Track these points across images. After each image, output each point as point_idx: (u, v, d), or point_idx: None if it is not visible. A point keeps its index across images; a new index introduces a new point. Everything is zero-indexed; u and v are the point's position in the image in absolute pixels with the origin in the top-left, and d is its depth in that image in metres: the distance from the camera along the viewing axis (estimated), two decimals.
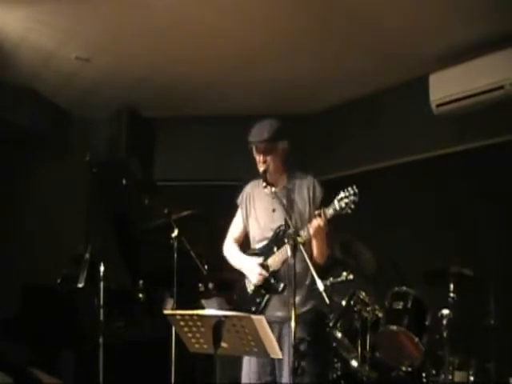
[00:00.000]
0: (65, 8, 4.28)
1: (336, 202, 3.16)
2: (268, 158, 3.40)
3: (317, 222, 3.20)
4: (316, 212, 3.26)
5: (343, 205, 3.13)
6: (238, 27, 4.56)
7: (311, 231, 3.22)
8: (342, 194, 3.15)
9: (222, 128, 6.38)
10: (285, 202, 3.35)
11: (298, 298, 3.33)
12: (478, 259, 4.45)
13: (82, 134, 6.33)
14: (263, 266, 3.42)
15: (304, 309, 3.36)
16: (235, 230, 3.71)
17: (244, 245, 3.69)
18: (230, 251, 3.68)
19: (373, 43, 4.76)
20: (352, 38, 4.68)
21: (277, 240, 3.40)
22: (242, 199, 3.68)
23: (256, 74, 5.43)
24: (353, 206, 3.12)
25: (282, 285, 3.30)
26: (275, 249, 3.40)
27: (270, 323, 3.17)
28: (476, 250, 4.72)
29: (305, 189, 3.46)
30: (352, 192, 3.13)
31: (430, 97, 4.92)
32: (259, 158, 3.43)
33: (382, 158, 5.62)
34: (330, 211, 3.18)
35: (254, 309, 3.38)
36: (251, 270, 3.45)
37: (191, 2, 4.21)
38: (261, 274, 3.39)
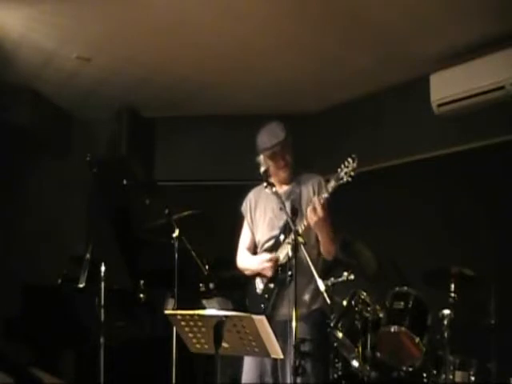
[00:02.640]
0: (65, 8, 4.27)
1: (336, 175, 3.15)
2: (287, 158, 3.42)
3: (311, 206, 3.18)
4: (315, 198, 3.25)
5: (342, 174, 3.12)
6: (238, 27, 4.55)
7: (308, 217, 3.20)
8: (341, 167, 3.14)
9: (222, 128, 6.38)
10: (290, 199, 3.35)
11: (307, 296, 3.36)
12: (478, 259, 4.45)
13: (82, 134, 6.33)
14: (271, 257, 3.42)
15: (313, 307, 3.38)
16: (245, 239, 3.68)
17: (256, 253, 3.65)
18: (243, 259, 3.65)
19: (373, 43, 4.76)
20: (352, 37, 4.68)
21: (284, 232, 3.40)
22: (245, 206, 3.68)
23: (256, 74, 5.42)
24: (352, 174, 3.10)
25: (288, 275, 3.27)
26: (282, 239, 3.40)
27: (278, 322, 3.17)
28: (476, 250, 4.72)
29: (310, 186, 3.47)
30: (350, 161, 3.12)
31: (431, 97, 4.92)
32: (278, 163, 3.42)
33: (383, 158, 5.62)
34: (331, 184, 3.17)
35: (263, 306, 3.37)
36: (262, 264, 3.43)
37: (191, 2, 4.21)
38: (271, 260, 3.38)
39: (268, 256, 3.43)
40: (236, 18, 4.40)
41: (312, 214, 3.17)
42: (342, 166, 3.14)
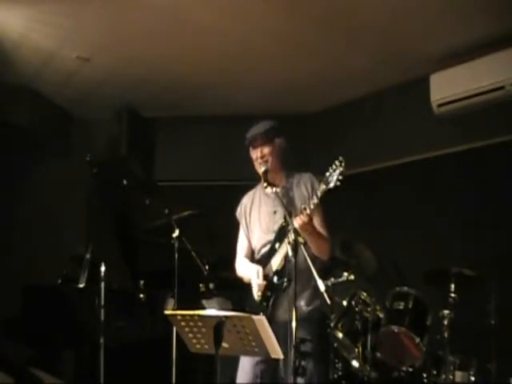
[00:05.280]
0: (65, 8, 4.27)
1: (324, 179, 3.11)
2: (266, 153, 3.41)
3: (300, 220, 3.16)
4: (302, 206, 3.24)
5: (332, 178, 3.08)
6: (237, 27, 4.56)
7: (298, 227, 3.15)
8: (330, 170, 3.10)
9: (222, 128, 6.38)
10: (284, 201, 3.34)
11: (304, 297, 3.36)
12: (478, 259, 4.45)
13: (82, 134, 6.33)
14: (264, 276, 3.39)
15: (310, 307, 3.37)
16: (242, 247, 3.67)
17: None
18: (241, 268, 3.64)
19: (373, 43, 4.76)
20: (352, 37, 4.68)
21: (279, 238, 3.38)
22: (240, 211, 3.67)
23: (256, 74, 5.42)
24: (341, 177, 3.06)
25: (285, 282, 3.28)
26: (277, 246, 3.39)
27: (279, 323, 3.16)
28: (476, 250, 4.72)
29: (303, 186, 3.46)
30: (338, 164, 3.08)
31: (431, 97, 4.92)
32: (257, 155, 3.43)
33: (383, 158, 5.62)
34: (320, 189, 3.13)
35: (262, 313, 3.34)
36: (253, 281, 3.42)
37: (191, 2, 4.21)
38: (260, 286, 3.37)
39: (257, 282, 3.38)
40: (236, 18, 4.40)
41: (301, 228, 3.14)
42: (330, 169, 3.10)
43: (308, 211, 3.17)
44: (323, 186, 3.12)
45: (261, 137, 3.42)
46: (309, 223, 3.18)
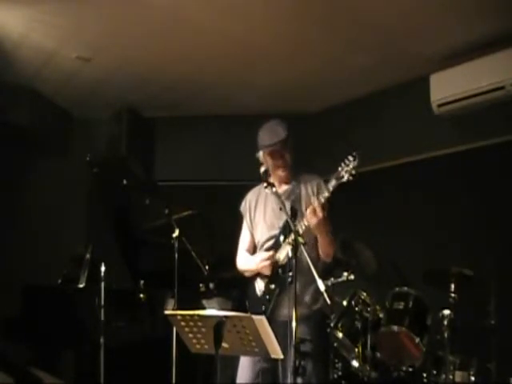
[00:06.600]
0: (66, 8, 4.27)
1: (336, 173, 3.11)
2: (287, 159, 3.41)
3: (311, 207, 3.15)
4: (312, 199, 3.24)
5: (343, 173, 3.07)
6: (238, 27, 4.55)
7: (308, 218, 3.16)
8: (342, 165, 3.09)
9: (222, 128, 6.39)
10: (290, 199, 3.34)
11: (308, 297, 3.36)
12: (478, 259, 4.45)
13: (82, 134, 6.33)
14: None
15: (314, 307, 3.38)
16: (244, 241, 3.67)
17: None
18: (242, 261, 3.64)
19: (373, 43, 4.76)
20: (352, 37, 4.68)
21: (284, 232, 3.38)
22: (244, 206, 3.67)
23: (256, 74, 5.42)
24: (354, 172, 3.05)
25: (289, 276, 3.27)
26: (282, 239, 3.39)
27: (279, 322, 3.16)
28: (476, 250, 4.72)
29: (309, 187, 3.46)
30: (351, 159, 3.07)
31: (431, 97, 4.92)
32: (279, 163, 3.40)
33: (383, 158, 5.61)
34: (331, 183, 3.12)
35: (263, 308, 3.36)
36: (260, 263, 3.42)
37: (191, 3, 4.21)
38: (268, 258, 3.37)
39: (266, 254, 3.42)
40: (236, 17, 4.40)
41: (312, 215, 3.15)
42: (343, 164, 3.09)
43: (322, 201, 3.15)
44: (334, 181, 3.11)
45: (282, 143, 3.36)
46: (323, 215, 3.14)
